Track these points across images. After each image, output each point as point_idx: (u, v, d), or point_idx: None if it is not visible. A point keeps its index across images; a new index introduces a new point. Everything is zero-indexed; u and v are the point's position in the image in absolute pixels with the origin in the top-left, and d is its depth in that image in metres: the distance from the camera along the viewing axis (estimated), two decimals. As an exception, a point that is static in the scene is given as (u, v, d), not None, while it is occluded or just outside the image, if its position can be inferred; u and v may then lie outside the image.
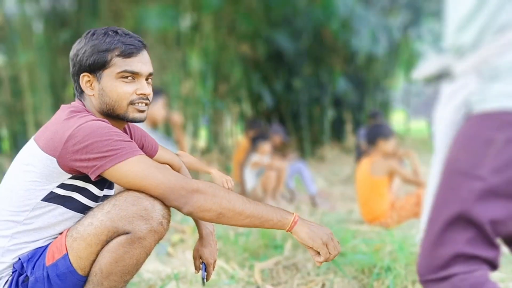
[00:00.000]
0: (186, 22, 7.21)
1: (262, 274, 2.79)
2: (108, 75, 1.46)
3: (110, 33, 1.47)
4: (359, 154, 6.55)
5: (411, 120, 14.67)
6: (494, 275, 2.29)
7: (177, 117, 3.62)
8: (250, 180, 5.02)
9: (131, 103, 1.48)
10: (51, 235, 1.45)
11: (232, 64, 8.16)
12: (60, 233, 1.45)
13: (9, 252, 1.41)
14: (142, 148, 1.72)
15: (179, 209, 1.40)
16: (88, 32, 1.50)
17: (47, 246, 1.43)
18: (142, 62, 1.48)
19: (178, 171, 1.80)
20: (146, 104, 1.52)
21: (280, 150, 5.94)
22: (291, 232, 1.44)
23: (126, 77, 1.46)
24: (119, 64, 1.45)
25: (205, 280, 1.76)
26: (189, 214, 1.39)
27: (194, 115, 7.16)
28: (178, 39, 6.65)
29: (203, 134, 9.35)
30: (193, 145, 7.19)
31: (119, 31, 1.49)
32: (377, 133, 3.80)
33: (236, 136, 9.70)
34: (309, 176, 5.18)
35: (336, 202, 5.33)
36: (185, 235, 3.26)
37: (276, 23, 8.19)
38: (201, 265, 1.74)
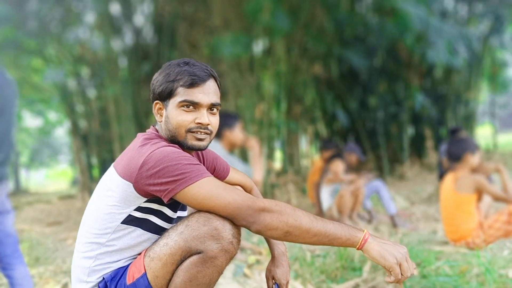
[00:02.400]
0: (258, 47, 7.38)
1: (340, 297, 2.73)
2: (172, 103, 1.54)
3: (181, 64, 1.56)
4: (442, 171, 6.25)
5: (498, 133, 13.75)
6: None
7: (253, 142, 3.68)
8: (326, 200, 4.97)
9: (190, 131, 1.54)
10: (131, 256, 1.53)
11: (305, 85, 8.19)
12: (139, 254, 1.53)
13: (94, 272, 1.51)
14: (214, 170, 1.79)
15: (247, 228, 1.43)
16: (167, 63, 1.61)
17: (127, 266, 1.52)
18: (204, 93, 1.53)
19: (249, 191, 1.86)
20: (206, 133, 1.56)
21: (356, 169, 5.83)
22: (362, 251, 1.41)
23: (188, 106, 1.53)
24: (181, 93, 1.52)
25: None
26: (257, 232, 1.42)
27: (269, 138, 7.25)
28: (251, 64, 6.82)
29: (278, 156, 9.41)
30: (269, 167, 7.26)
31: (190, 62, 1.57)
32: (461, 148, 3.60)
33: (311, 157, 9.66)
34: (388, 195, 5.01)
35: (418, 222, 5.11)
36: (262, 256, 3.28)
37: (348, 41, 8.14)
38: (274, 286, 1.75)
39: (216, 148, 3.45)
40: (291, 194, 6.86)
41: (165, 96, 1.55)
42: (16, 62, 9.45)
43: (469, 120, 10.90)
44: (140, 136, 1.57)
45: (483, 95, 12.41)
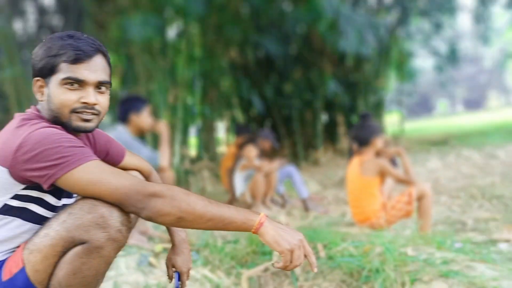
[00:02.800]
0: (172, 31, 7.17)
1: (249, 282, 2.72)
2: (54, 81, 1.40)
3: (64, 37, 1.41)
4: (352, 156, 6.49)
5: (405, 121, 14.63)
6: (487, 273, 2.22)
7: (162, 126, 3.54)
8: (240, 186, 4.95)
9: (74, 111, 1.41)
10: (9, 249, 1.39)
11: (221, 71, 8.11)
12: (19, 246, 1.39)
13: None
14: (107, 154, 1.67)
15: (137, 215, 1.34)
16: (49, 36, 1.45)
17: (4, 260, 1.37)
18: (90, 69, 1.40)
19: (148, 177, 1.75)
20: (93, 114, 1.44)
21: (269, 156, 5.86)
22: (258, 234, 1.37)
23: (72, 84, 1.39)
24: (64, 70, 1.38)
25: None
26: (148, 219, 1.33)
27: (183, 124, 7.09)
28: (164, 47, 6.60)
29: (194, 142, 9.29)
30: (183, 153, 7.12)
31: (74, 35, 1.42)
32: (369, 132, 3.72)
33: (228, 144, 9.65)
34: (300, 180, 5.10)
35: (329, 205, 5.26)
36: (169, 244, 3.16)
37: (264, 28, 8.16)
38: (174, 274, 1.68)
39: (121, 133, 3.29)
40: (206, 181, 6.80)
41: (46, 72, 1.40)
42: None
43: (378, 108, 11.46)
44: (18, 117, 1.41)
45: (391, 84, 13.07)
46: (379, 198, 3.59)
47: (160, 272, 2.65)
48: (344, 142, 10.59)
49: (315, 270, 1.40)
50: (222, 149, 9.37)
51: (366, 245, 2.75)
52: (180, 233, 1.69)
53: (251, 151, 4.85)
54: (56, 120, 1.41)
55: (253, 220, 1.36)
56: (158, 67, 6.36)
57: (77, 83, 1.39)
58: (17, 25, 7.03)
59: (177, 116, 6.57)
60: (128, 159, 1.75)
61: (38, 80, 1.43)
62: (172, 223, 1.34)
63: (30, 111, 1.45)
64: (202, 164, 7.54)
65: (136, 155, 1.82)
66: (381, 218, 3.48)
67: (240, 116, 9.62)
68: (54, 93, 1.39)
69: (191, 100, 7.49)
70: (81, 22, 6.60)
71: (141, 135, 3.64)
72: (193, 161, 8.02)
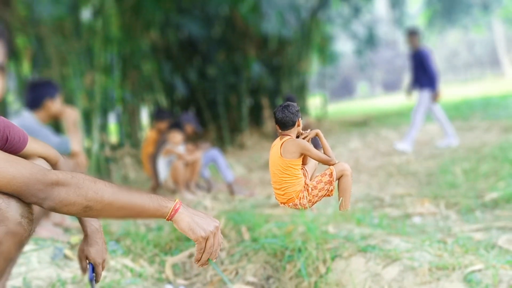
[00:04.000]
0: (87, 11, 6.76)
1: (173, 269, 2.66)
2: None
3: None
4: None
5: (328, 103, 15.06)
6: (402, 245, 2.31)
7: (67, 110, 3.35)
8: (163, 171, 4.82)
9: None
10: None
11: (142, 53, 7.81)
12: None
13: None
14: (6, 141, 1.50)
15: (39, 205, 1.24)
16: None
17: None
18: None
19: (55, 165, 1.61)
20: None
21: (193, 139, 5.77)
22: (172, 222, 1.32)
23: None
24: None
25: (93, 282, 1.59)
26: (51, 209, 1.23)
27: (102, 109, 6.77)
28: (78, 28, 6.21)
29: (115, 128, 8.94)
30: (102, 140, 6.81)
31: None
32: (292, 114, 3.74)
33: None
34: (224, 164, 5.06)
35: (255, 188, 5.29)
36: (87, 236, 3.01)
37: (186, 9, 7.95)
38: (88, 266, 1.61)
39: (27, 119, 3.08)
40: (128, 168, 6.57)
41: None
42: None
43: (302, 90, 11.68)
44: None
45: (314, 67, 13.36)
46: (302, 178, 3.64)
47: (76, 265, 2.51)
48: (269, 125, 10.70)
49: (214, 260, 1.38)
50: (145, 134, 9.10)
51: (289, 225, 2.78)
52: (93, 222, 1.60)
53: (176, 136, 4.73)
54: None
55: (167, 207, 1.31)
56: (72, 49, 5.98)
57: None
58: None
59: (94, 101, 6.24)
60: (31, 146, 1.59)
61: None
62: (79, 213, 1.24)
63: None
64: (124, 150, 7.27)
65: (41, 142, 1.67)
66: (304, 198, 3.54)
67: (163, 101, 9.37)
68: None
69: (110, 84, 7.15)
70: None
71: (51, 121, 3.44)
72: (114, 148, 7.70)
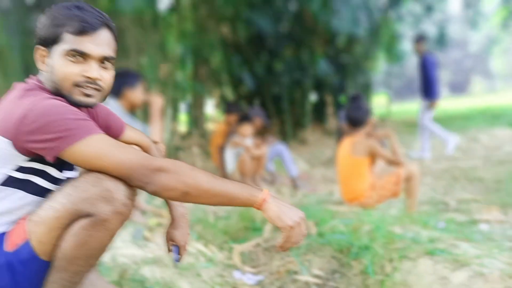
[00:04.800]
0: (164, 3, 7.06)
1: (241, 257, 2.78)
2: (57, 51, 1.37)
3: (71, 7, 1.37)
4: (340, 136, 6.57)
5: (392, 103, 14.73)
6: (470, 251, 2.31)
7: (155, 97, 3.52)
8: (231, 163, 4.99)
9: (77, 85, 1.38)
10: (11, 220, 1.38)
11: (212, 47, 8.04)
12: (21, 218, 1.38)
13: None
14: (107, 128, 1.65)
15: (143, 189, 1.33)
16: (55, 5, 1.41)
17: (6, 232, 1.37)
18: (95, 43, 1.37)
19: (147, 151, 1.74)
20: (96, 89, 1.41)
21: (260, 133, 5.90)
22: (261, 210, 1.39)
23: (75, 56, 1.36)
24: (68, 41, 1.35)
25: (177, 262, 1.73)
26: (153, 193, 1.33)
27: (174, 100, 7.06)
28: (155, 21, 6.50)
29: (184, 118, 9.26)
30: (173, 129, 7.11)
31: (82, 6, 1.38)
32: (362, 113, 3.78)
33: (217, 120, 9.64)
34: (290, 158, 5.16)
35: (317, 184, 5.35)
36: (163, 219, 3.22)
37: (256, 5, 8.08)
38: (172, 248, 1.71)
39: (114, 107, 3.27)
40: (196, 157, 6.81)
41: (50, 42, 1.36)
42: None
43: (367, 89, 11.52)
44: (19, 87, 1.38)
45: (379, 65, 13.11)
46: (368, 178, 3.67)
47: (154, 246, 2.70)
48: (332, 122, 10.65)
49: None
50: (211, 125, 9.37)
51: (356, 223, 2.83)
52: (179, 208, 1.71)
53: (247, 129, 4.88)
54: (57, 92, 1.39)
55: (257, 196, 1.38)
56: (149, 41, 6.28)
57: (80, 55, 1.36)
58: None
59: (167, 92, 6.53)
60: (128, 133, 1.74)
61: (40, 48, 1.40)
62: (178, 197, 1.33)
63: (32, 81, 1.41)
64: (192, 140, 7.54)
65: (136, 129, 1.82)
66: (370, 198, 3.57)
67: (229, 93, 9.59)
68: (57, 64, 1.36)
69: (181, 75, 7.43)
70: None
71: (132, 110, 3.63)
72: (183, 137, 8.01)
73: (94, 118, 1.59)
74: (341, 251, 2.56)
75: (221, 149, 5.12)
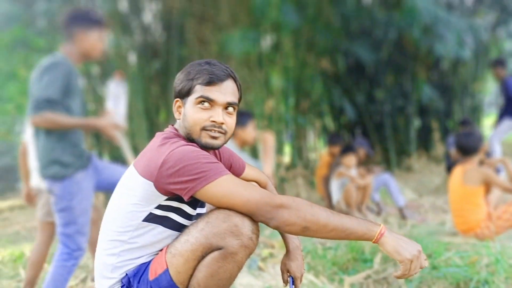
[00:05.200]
0: (266, 42, 7.42)
1: (352, 288, 2.80)
2: (190, 101, 1.58)
3: (202, 63, 1.60)
4: (449, 163, 6.32)
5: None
6: None
7: (268, 136, 3.75)
8: (335, 193, 5.04)
9: (204, 129, 1.57)
10: (152, 252, 1.58)
11: (313, 79, 8.22)
12: (160, 250, 1.57)
13: (117, 268, 1.56)
14: (230, 167, 1.83)
15: (266, 224, 1.47)
16: (190, 63, 1.65)
17: (149, 262, 1.56)
18: (221, 92, 1.56)
19: (264, 187, 1.90)
20: (220, 132, 1.58)
21: (364, 163, 5.89)
22: (378, 244, 1.46)
23: (204, 103, 1.56)
24: (199, 90, 1.56)
25: None
26: (275, 228, 1.46)
27: (278, 132, 7.31)
28: (260, 59, 6.85)
29: (287, 150, 9.46)
30: (278, 161, 7.31)
31: (211, 62, 1.61)
32: (475, 141, 3.66)
33: (319, 151, 9.72)
34: (396, 188, 5.08)
35: (427, 214, 5.17)
36: (274, 249, 3.34)
37: (354, 35, 8.15)
38: (289, 279, 1.80)
39: (229, 146, 3.51)
40: (300, 188, 6.92)
41: (184, 93, 1.59)
42: (26, 61, 9.49)
43: (476, 112, 10.85)
44: (159, 136, 1.60)
45: (489, 86, 12.29)
46: (484, 207, 3.52)
47: (268, 276, 2.83)
48: (439, 148, 10.18)
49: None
50: (314, 156, 9.46)
51: (473, 255, 2.74)
52: (294, 240, 1.82)
53: (351, 160, 4.95)
54: (190, 137, 1.59)
55: (374, 230, 1.46)
56: (254, 79, 6.62)
57: (208, 102, 1.55)
58: (125, 42, 7.60)
59: (273, 125, 6.79)
60: (248, 171, 1.91)
61: (177, 100, 1.63)
62: (298, 232, 1.45)
63: (169, 130, 1.64)
64: (296, 171, 7.69)
65: (254, 168, 1.99)
66: (487, 228, 3.41)
67: (331, 124, 9.64)
68: (189, 112, 1.57)
69: (284, 109, 7.68)
70: (183, 39, 7.05)
71: (243, 147, 3.86)
72: (287, 168, 8.20)
73: (219, 159, 1.79)
74: (457, 286, 2.49)
75: (326, 180, 5.20)
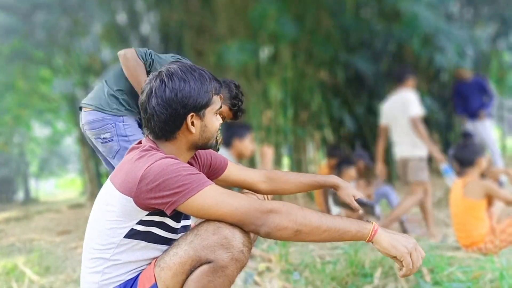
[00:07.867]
0: (264, 54, 7.41)
1: (352, 304, 2.71)
2: (210, 112, 1.59)
3: (197, 74, 1.59)
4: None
5: (506, 136, 13.63)
6: None
7: (267, 149, 3.72)
8: (335, 206, 4.94)
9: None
10: (138, 267, 1.51)
11: (312, 91, 8.19)
12: (148, 264, 1.51)
13: (104, 286, 1.49)
14: (210, 166, 1.82)
15: (256, 232, 1.42)
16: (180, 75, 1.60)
17: (137, 276, 1.50)
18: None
19: (252, 186, 1.92)
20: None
21: (364, 175, 5.80)
22: (372, 243, 1.42)
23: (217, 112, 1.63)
24: (217, 101, 1.60)
25: None
26: (266, 235, 1.41)
27: (276, 144, 7.25)
28: (258, 71, 6.83)
29: (286, 162, 9.40)
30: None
31: (199, 70, 1.60)
32: (474, 152, 3.58)
33: (319, 163, 9.64)
34: (397, 201, 4.99)
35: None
36: (271, 263, 3.26)
37: (353, 47, 8.14)
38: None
39: (225, 156, 3.46)
40: (299, 200, 6.85)
41: (202, 106, 1.55)
42: (25, 72, 9.53)
43: (477, 124, 10.78)
44: (135, 148, 1.55)
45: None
46: (487, 221, 3.42)
47: (265, 290, 2.75)
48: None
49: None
50: (313, 168, 9.39)
51: (476, 270, 2.65)
52: (330, 179, 2.00)
53: (350, 172, 4.86)
54: (204, 145, 1.61)
55: (368, 228, 1.42)
56: (252, 90, 6.60)
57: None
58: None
59: (271, 137, 6.73)
60: (232, 168, 1.89)
61: (192, 115, 1.54)
62: (290, 236, 1.41)
63: (145, 143, 1.57)
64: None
65: (240, 165, 1.95)
66: (490, 243, 3.31)
67: (330, 136, 9.59)
68: (211, 123, 1.60)
69: (283, 120, 7.64)
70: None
71: (240, 159, 3.81)
72: (286, 180, 8.09)
73: (196, 161, 1.78)
74: (460, 301, 2.41)
75: (324, 192, 5.12)
